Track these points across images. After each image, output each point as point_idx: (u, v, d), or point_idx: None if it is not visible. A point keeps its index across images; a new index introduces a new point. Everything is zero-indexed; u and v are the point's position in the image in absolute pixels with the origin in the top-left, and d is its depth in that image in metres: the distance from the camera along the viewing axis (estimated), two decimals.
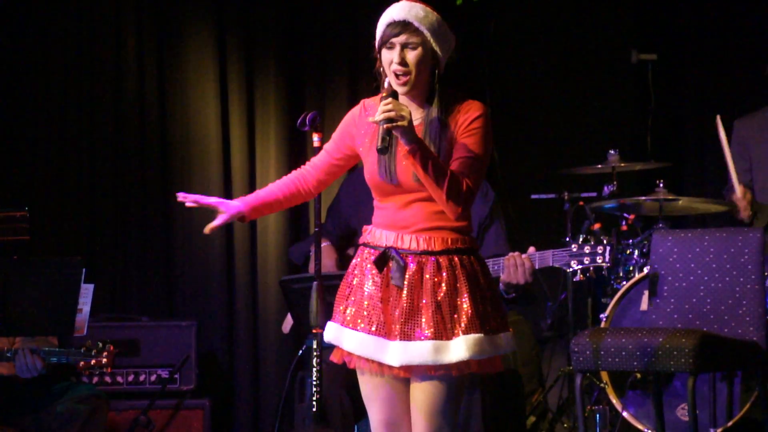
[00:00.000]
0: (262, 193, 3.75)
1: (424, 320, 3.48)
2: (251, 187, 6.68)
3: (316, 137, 4.49)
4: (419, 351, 3.47)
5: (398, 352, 3.49)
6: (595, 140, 6.89)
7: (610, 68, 7.16)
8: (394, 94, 3.48)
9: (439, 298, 3.49)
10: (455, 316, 3.49)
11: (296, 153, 6.74)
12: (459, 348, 3.46)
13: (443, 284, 3.50)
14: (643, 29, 7.21)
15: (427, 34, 3.49)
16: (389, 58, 3.51)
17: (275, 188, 3.74)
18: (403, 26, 3.49)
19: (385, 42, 3.51)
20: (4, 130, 6.46)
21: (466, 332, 3.47)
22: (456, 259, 3.53)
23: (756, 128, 5.95)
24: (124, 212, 6.61)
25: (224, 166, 6.68)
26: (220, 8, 6.73)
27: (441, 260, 3.52)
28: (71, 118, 6.56)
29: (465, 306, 3.49)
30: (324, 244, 5.15)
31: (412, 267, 3.52)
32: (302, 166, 3.79)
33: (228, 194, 6.67)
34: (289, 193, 3.73)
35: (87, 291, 5.04)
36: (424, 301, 3.50)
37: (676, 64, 7.13)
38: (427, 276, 3.51)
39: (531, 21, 7.18)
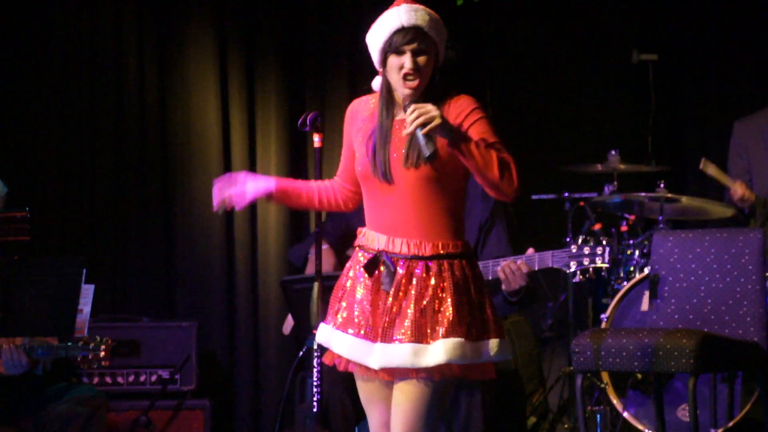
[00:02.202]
0: (296, 183, 3.74)
1: (406, 323, 3.47)
2: None
3: (316, 137, 4.48)
4: (398, 353, 3.46)
5: (378, 355, 3.49)
6: (595, 140, 6.89)
7: (610, 68, 7.16)
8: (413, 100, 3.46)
9: (423, 303, 3.48)
10: (437, 320, 3.48)
11: (297, 153, 6.75)
12: (437, 351, 3.44)
13: (429, 288, 3.49)
14: (644, 29, 7.21)
15: (436, 39, 3.49)
16: (399, 63, 3.47)
17: (305, 185, 3.74)
18: (414, 32, 3.45)
19: (395, 49, 3.47)
20: (4, 130, 6.47)
21: (446, 336, 3.45)
22: (446, 263, 3.52)
23: (756, 129, 5.96)
24: (125, 213, 6.61)
25: (225, 167, 6.68)
26: (220, 7, 6.73)
27: (431, 265, 3.51)
28: (72, 119, 6.56)
29: (448, 311, 3.48)
30: (323, 247, 5.15)
31: (401, 271, 3.51)
32: (333, 179, 3.78)
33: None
34: (314, 198, 3.73)
35: (87, 291, 5.04)
36: (409, 305, 3.49)
37: (677, 65, 7.13)
38: (415, 281, 3.50)
39: (531, 21, 7.18)
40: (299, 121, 4.36)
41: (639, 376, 5.41)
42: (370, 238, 3.59)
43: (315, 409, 4.57)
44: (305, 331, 4.75)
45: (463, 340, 3.47)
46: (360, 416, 4.66)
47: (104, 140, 6.60)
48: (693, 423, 4.48)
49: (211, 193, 6.67)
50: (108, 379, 5.97)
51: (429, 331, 3.46)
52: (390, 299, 3.50)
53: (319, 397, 4.56)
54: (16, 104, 6.51)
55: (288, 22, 6.80)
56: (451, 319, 3.47)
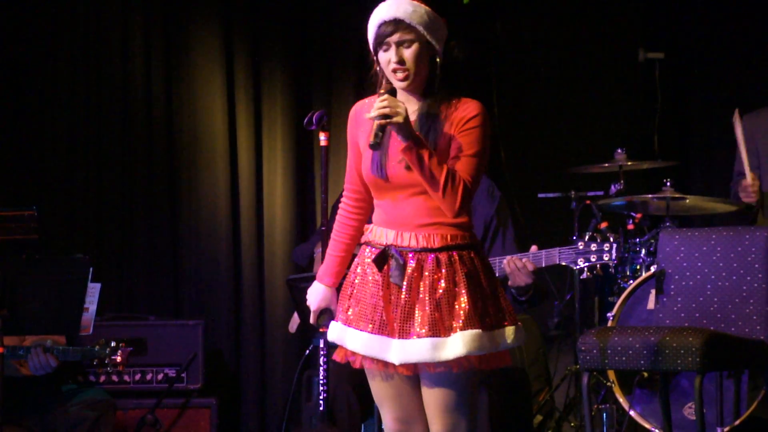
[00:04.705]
0: (336, 260, 3.74)
1: (421, 318, 3.48)
2: (258, 187, 6.69)
3: (323, 136, 4.49)
4: (417, 349, 3.47)
5: (398, 350, 3.50)
6: (602, 139, 6.89)
7: (617, 67, 7.16)
8: (391, 92, 3.51)
9: (437, 295, 3.50)
10: (453, 312, 3.49)
11: (303, 152, 6.75)
12: (456, 344, 3.46)
13: (442, 281, 3.51)
14: (651, 28, 7.20)
15: (420, 29, 3.50)
16: (387, 58, 3.52)
17: (343, 247, 3.74)
18: (395, 25, 3.50)
19: (380, 43, 3.52)
20: (12, 130, 6.48)
21: (463, 328, 3.47)
22: (455, 255, 3.53)
23: (765, 124, 5.93)
24: (132, 211, 6.62)
25: (231, 166, 6.69)
26: (227, 7, 6.74)
27: (440, 257, 3.52)
28: (79, 118, 6.57)
29: (463, 302, 3.49)
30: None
31: (411, 264, 3.52)
32: (341, 201, 3.77)
33: (234, 193, 6.68)
34: (354, 242, 3.73)
35: (94, 290, 5.05)
36: (423, 299, 3.50)
37: (683, 63, 7.12)
38: (426, 273, 3.51)
39: (538, 20, 7.18)
40: (305, 120, 4.36)
41: (645, 374, 5.41)
42: (378, 234, 3.60)
43: (321, 408, 4.58)
44: (311, 329, 4.75)
45: (480, 331, 3.49)
46: (366, 414, 4.67)
47: (111, 140, 6.61)
48: (699, 421, 4.47)
49: (216, 191, 6.73)
50: (115, 378, 5.98)
51: (446, 323, 3.48)
52: (403, 293, 3.51)
53: (325, 395, 4.57)
54: (24, 104, 6.51)
55: (294, 20, 6.81)
56: (467, 310, 3.48)
